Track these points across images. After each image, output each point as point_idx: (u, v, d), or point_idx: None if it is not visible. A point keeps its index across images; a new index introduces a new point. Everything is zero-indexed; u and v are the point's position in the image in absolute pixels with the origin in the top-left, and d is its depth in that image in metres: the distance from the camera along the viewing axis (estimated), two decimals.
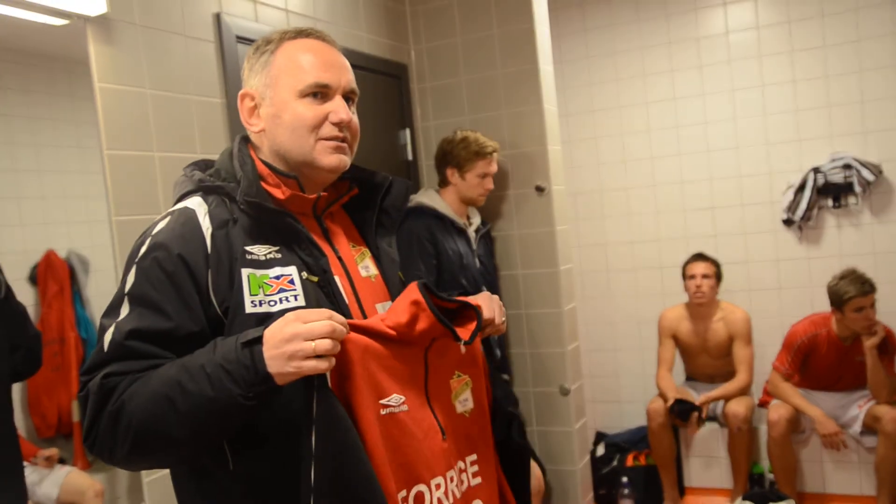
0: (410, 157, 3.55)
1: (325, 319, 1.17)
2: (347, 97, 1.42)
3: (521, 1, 3.41)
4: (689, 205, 4.92)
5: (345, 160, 1.41)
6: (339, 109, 1.38)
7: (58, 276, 2.07)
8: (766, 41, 4.65)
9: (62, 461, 2.07)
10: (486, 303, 1.43)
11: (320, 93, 1.38)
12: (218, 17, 2.47)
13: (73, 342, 2.11)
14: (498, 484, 1.49)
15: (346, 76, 1.42)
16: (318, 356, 1.15)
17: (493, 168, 3.22)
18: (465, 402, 1.43)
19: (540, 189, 3.44)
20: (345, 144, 1.40)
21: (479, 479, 1.45)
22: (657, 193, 4.99)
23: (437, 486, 1.33)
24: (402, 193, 1.56)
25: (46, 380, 2.04)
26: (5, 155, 1.98)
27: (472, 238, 3.25)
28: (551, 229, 3.46)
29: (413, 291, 1.30)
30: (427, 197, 3.21)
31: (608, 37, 5.02)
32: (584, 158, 5.13)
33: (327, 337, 1.16)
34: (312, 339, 1.15)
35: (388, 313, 1.32)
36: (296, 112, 1.37)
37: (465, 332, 1.36)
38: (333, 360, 1.18)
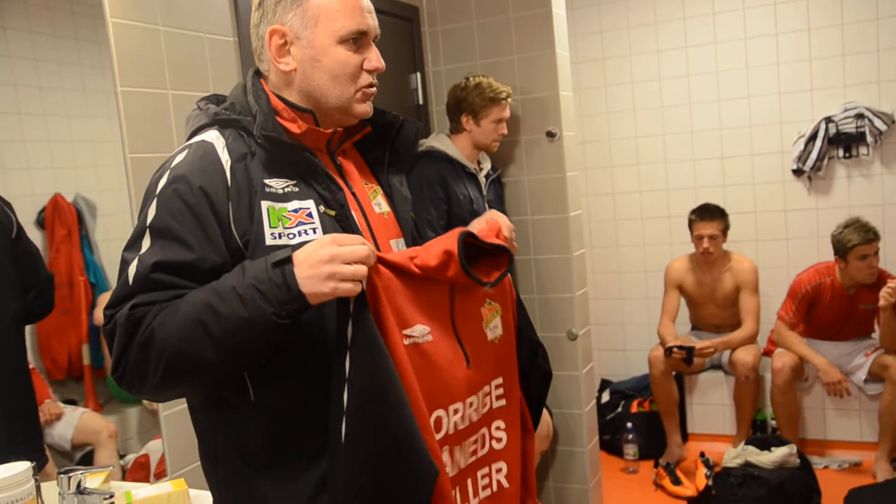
0: (421, 101, 3.53)
1: (361, 245, 1.19)
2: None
3: None
4: (699, 154, 4.90)
5: (372, 107, 1.45)
6: (375, 58, 1.40)
7: (65, 219, 2.07)
8: None
9: (74, 402, 2.11)
10: (503, 221, 1.48)
11: (357, 38, 1.38)
12: None
13: (81, 286, 2.11)
14: (521, 408, 1.53)
15: (376, 20, 1.42)
16: (354, 280, 1.18)
17: (507, 114, 3.20)
18: (495, 328, 1.46)
19: (551, 135, 3.43)
20: (374, 90, 1.42)
21: (503, 402, 1.48)
22: (666, 143, 4.97)
23: (455, 412, 1.36)
24: (413, 134, 1.57)
25: (56, 323, 2.04)
26: (10, 98, 1.97)
27: (483, 183, 3.25)
28: (562, 175, 3.45)
29: (450, 241, 1.32)
30: (438, 141, 3.20)
31: None
32: (594, 107, 5.10)
33: (363, 261, 1.19)
34: (349, 263, 1.17)
35: (419, 251, 1.34)
36: (337, 58, 1.37)
37: (493, 275, 1.39)
38: (364, 286, 1.21)
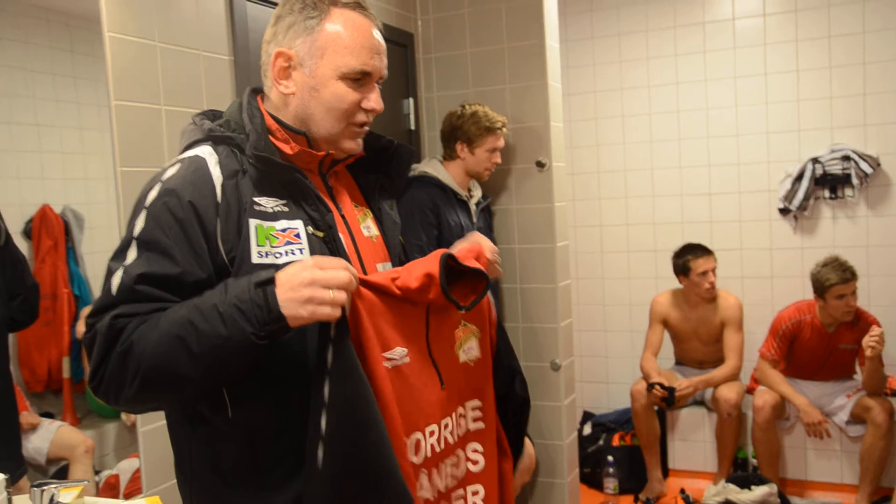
0: (413, 126, 3.55)
1: (342, 269, 1.20)
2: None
3: None
4: (687, 190, 4.93)
5: (361, 144, 1.46)
6: (373, 99, 1.41)
7: (52, 231, 2.06)
8: (771, 29, 4.65)
9: (51, 416, 2.08)
10: (486, 244, 1.48)
11: (361, 78, 1.39)
12: None
13: (65, 298, 2.10)
14: (497, 432, 1.52)
15: (384, 62, 1.43)
16: (333, 305, 1.18)
17: (502, 143, 3.23)
18: (469, 350, 1.46)
19: (541, 164, 3.45)
20: (365, 129, 1.44)
21: (480, 424, 1.48)
22: (655, 177, 5.00)
23: (431, 434, 1.36)
24: (407, 159, 1.59)
25: (37, 334, 2.03)
26: (4, 107, 1.96)
27: (473, 211, 3.26)
28: (550, 205, 3.47)
29: (432, 263, 1.33)
30: (431, 167, 3.22)
31: (614, 18, 5.01)
32: (584, 139, 5.14)
33: (343, 287, 1.19)
34: (329, 287, 1.17)
35: (400, 273, 1.34)
36: (336, 93, 1.38)
37: (469, 298, 1.40)
38: (345, 310, 1.21)
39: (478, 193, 3.34)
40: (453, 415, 1.42)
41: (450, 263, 1.36)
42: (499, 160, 3.24)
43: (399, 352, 1.32)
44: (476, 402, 1.47)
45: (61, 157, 2.14)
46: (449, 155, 3.25)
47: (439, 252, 1.35)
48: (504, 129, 3.22)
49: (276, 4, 1.46)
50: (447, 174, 3.19)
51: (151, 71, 2.18)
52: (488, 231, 3.43)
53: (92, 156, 2.16)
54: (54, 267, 2.08)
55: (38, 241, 2.03)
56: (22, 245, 1.95)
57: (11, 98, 1.99)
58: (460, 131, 3.18)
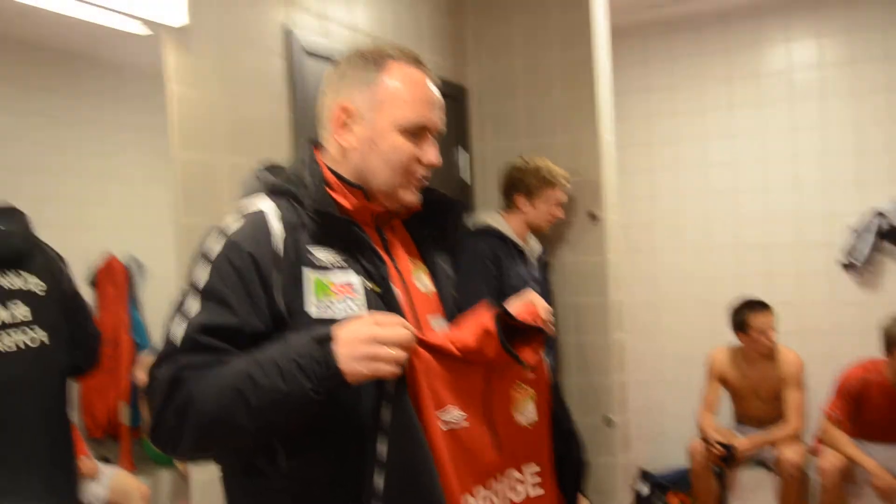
0: (466, 177, 3.57)
1: (401, 327, 1.20)
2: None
3: (582, 29, 3.43)
4: (743, 242, 4.85)
5: (420, 197, 1.46)
6: (432, 153, 1.42)
7: (116, 279, 2.12)
8: (829, 81, 4.60)
9: (108, 461, 2.11)
10: (540, 303, 1.45)
11: (417, 132, 1.40)
12: (288, 32, 2.53)
13: (126, 345, 2.15)
14: (557, 498, 1.49)
15: (442, 117, 1.45)
16: (392, 363, 1.18)
17: (563, 197, 3.23)
18: (527, 413, 1.43)
19: (593, 217, 3.43)
20: (424, 182, 1.45)
21: (540, 491, 1.44)
22: (710, 229, 4.94)
23: (485, 498, 1.34)
24: (460, 214, 1.60)
25: (98, 380, 2.08)
26: (74, 159, 2.05)
27: (533, 263, 3.24)
28: (602, 258, 3.44)
29: (486, 318, 1.31)
30: (492, 218, 3.22)
31: (668, 70, 5.01)
32: (638, 190, 5.10)
33: (402, 345, 1.19)
34: (388, 345, 1.17)
35: (456, 331, 1.33)
36: (394, 146, 1.39)
37: (529, 355, 1.37)
38: (403, 368, 1.21)
39: (536, 246, 3.32)
40: (507, 479, 1.39)
41: (504, 319, 1.35)
42: (560, 214, 3.24)
43: (454, 413, 1.30)
44: (535, 467, 1.44)
45: (126, 208, 2.21)
46: (509, 207, 3.25)
47: (490, 306, 1.34)
48: (565, 183, 3.21)
49: (331, 58, 1.49)
50: (507, 226, 3.19)
51: (212, 125, 2.25)
52: (546, 283, 3.40)
53: (155, 206, 2.23)
54: (116, 314, 2.14)
55: (102, 290, 2.08)
56: (86, 293, 2.01)
57: (82, 151, 2.06)
58: (521, 184, 3.19)
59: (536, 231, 3.28)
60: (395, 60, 1.41)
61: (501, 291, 3.03)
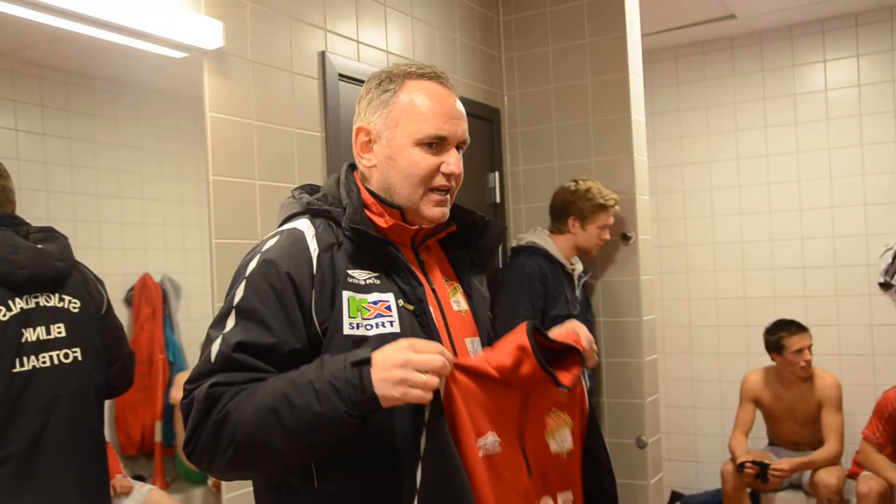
0: (498, 199, 3.58)
1: (437, 354, 1.20)
2: (458, 145, 1.45)
3: (616, 51, 3.43)
4: (779, 263, 4.80)
5: (446, 212, 1.45)
6: (452, 162, 1.41)
7: (151, 299, 2.15)
8: (867, 99, 4.54)
9: (142, 479, 2.13)
10: (583, 332, 1.43)
11: (436, 143, 1.41)
12: (323, 56, 2.57)
13: (160, 364, 2.18)
14: None
15: (462, 126, 1.44)
16: (424, 389, 1.18)
17: (612, 220, 3.22)
18: (562, 441, 1.41)
19: (626, 238, 3.42)
20: (448, 196, 1.44)
21: None
22: (745, 250, 4.89)
23: None
24: (497, 235, 1.59)
25: (133, 399, 2.10)
26: (113, 182, 2.09)
27: (576, 284, 3.23)
28: (636, 278, 3.42)
29: (521, 335, 1.31)
30: (540, 238, 3.21)
31: (701, 91, 4.99)
32: (671, 211, 5.08)
33: (436, 371, 1.19)
34: (422, 371, 1.18)
35: (492, 352, 1.33)
36: (412, 160, 1.40)
37: (566, 377, 1.35)
38: (438, 395, 1.21)
39: (579, 267, 3.30)
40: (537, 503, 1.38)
41: (538, 339, 1.34)
42: (608, 237, 3.23)
43: (491, 439, 1.30)
44: (568, 495, 1.42)
45: (162, 229, 2.25)
46: (559, 229, 3.23)
47: (523, 325, 1.33)
48: (616, 206, 3.21)
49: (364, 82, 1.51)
50: (554, 246, 3.18)
51: (247, 147, 2.28)
52: (587, 305, 3.39)
53: (190, 227, 2.26)
54: (151, 334, 2.16)
55: (137, 309, 2.12)
56: (122, 312, 2.04)
57: (121, 173, 2.11)
58: (573, 206, 3.17)
59: (585, 253, 3.27)
60: (412, 78, 1.43)
61: (546, 313, 3.01)
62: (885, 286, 4.47)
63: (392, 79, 1.44)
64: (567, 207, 3.19)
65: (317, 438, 1.21)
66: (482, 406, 1.29)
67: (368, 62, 2.77)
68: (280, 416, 1.19)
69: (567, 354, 1.39)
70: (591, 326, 3.42)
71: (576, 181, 3.23)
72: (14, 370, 1.70)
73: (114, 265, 2.06)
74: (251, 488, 1.46)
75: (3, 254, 1.71)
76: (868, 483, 3.94)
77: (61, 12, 1.84)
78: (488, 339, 1.54)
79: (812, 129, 4.69)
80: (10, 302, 1.72)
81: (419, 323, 1.37)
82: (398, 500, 1.23)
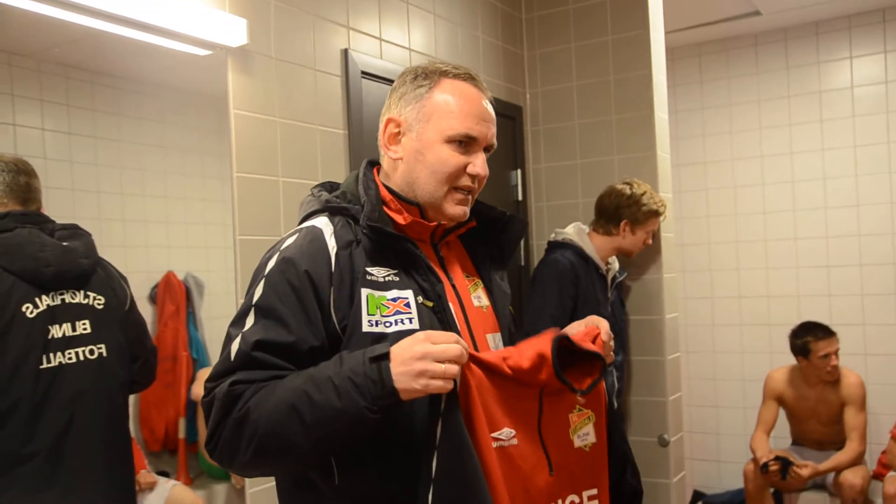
0: (520, 197, 3.57)
1: (454, 343, 1.20)
2: (485, 148, 1.45)
3: (640, 49, 3.41)
4: (803, 262, 4.75)
5: (466, 212, 1.46)
6: (478, 164, 1.42)
7: (175, 296, 2.16)
8: (894, 96, 4.49)
9: (166, 474, 2.15)
10: (604, 326, 1.43)
11: (465, 142, 1.41)
12: (346, 53, 2.57)
13: (184, 361, 2.19)
14: None
15: (492, 130, 1.45)
16: (445, 378, 1.19)
17: (657, 226, 3.21)
18: (585, 436, 1.42)
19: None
20: (470, 197, 1.45)
21: None
22: (769, 249, 4.85)
23: None
24: (519, 231, 1.59)
25: (157, 395, 2.13)
26: (137, 181, 2.11)
27: (609, 285, 3.21)
28: (659, 276, 3.40)
29: (544, 344, 1.31)
30: (578, 236, 3.15)
31: (724, 89, 4.95)
32: (694, 210, 5.04)
33: (455, 361, 1.20)
34: (441, 361, 1.18)
35: (512, 352, 1.33)
36: (440, 156, 1.40)
37: (584, 382, 1.36)
38: (456, 384, 1.21)
39: (615, 266, 3.26)
40: (562, 501, 1.38)
41: (563, 344, 1.34)
42: (651, 242, 3.21)
43: (507, 432, 1.30)
44: (593, 491, 1.42)
45: (185, 227, 2.26)
46: (606, 230, 3.16)
47: (552, 332, 1.33)
48: (665, 212, 3.19)
49: (389, 80, 1.52)
50: (591, 245, 3.14)
51: (271, 145, 2.29)
52: (620, 305, 3.35)
53: (213, 225, 2.27)
54: (175, 331, 2.18)
55: (161, 306, 2.13)
56: (147, 309, 2.05)
57: (145, 172, 2.13)
58: (627, 211, 3.11)
59: (625, 255, 3.23)
60: (448, 77, 1.44)
61: (575, 312, 2.96)
62: None
63: (428, 75, 1.44)
64: (621, 211, 3.12)
65: (337, 434, 1.22)
66: (496, 400, 1.30)
67: (391, 60, 2.78)
68: (300, 413, 1.20)
69: (589, 358, 1.38)
70: (625, 327, 3.40)
71: (629, 184, 3.16)
72: (41, 366, 1.72)
73: (138, 263, 2.08)
74: (274, 484, 1.46)
75: (31, 251, 1.73)
76: (894, 483, 3.90)
77: (87, 10, 1.85)
78: (509, 335, 1.54)
79: (838, 127, 4.64)
80: (38, 299, 1.74)
81: (438, 319, 1.38)
82: (415, 490, 1.24)
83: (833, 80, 4.67)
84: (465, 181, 1.42)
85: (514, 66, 3.58)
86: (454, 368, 1.19)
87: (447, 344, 1.20)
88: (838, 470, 4.12)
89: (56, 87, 1.91)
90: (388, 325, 1.33)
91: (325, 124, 2.48)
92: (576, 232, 3.17)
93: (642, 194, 3.12)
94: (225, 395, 1.25)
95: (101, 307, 1.85)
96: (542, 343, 1.32)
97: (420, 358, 1.18)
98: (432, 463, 1.21)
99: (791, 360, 4.36)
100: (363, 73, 2.63)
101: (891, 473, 4.01)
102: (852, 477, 4.04)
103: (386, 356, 1.21)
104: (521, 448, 1.32)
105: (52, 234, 1.80)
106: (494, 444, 1.28)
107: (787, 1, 4.37)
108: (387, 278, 1.37)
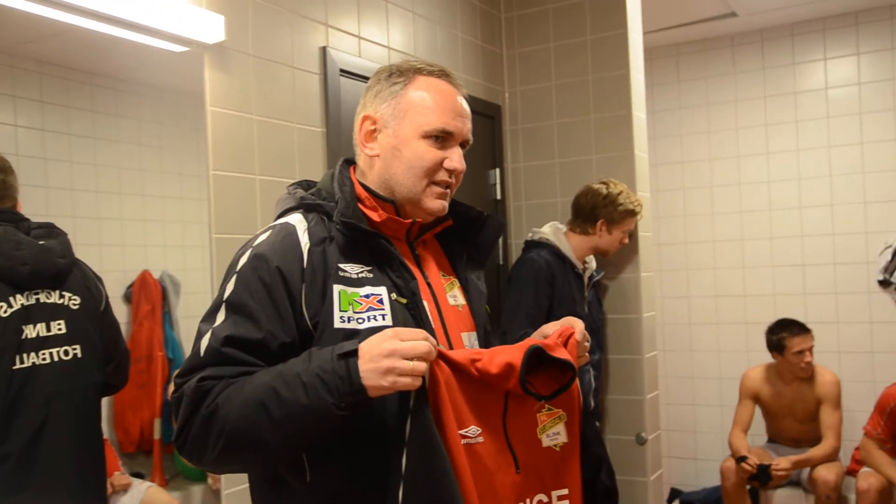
0: (499, 196, 3.58)
1: (422, 340, 1.20)
2: (461, 144, 1.46)
3: (618, 48, 3.43)
4: (779, 261, 4.80)
5: (445, 206, 1.46)
6: (455, 158, 1.43)
7: (151, 296, 2.14)
8: (867, 98, 4.55)
9: (141, 476, 2.13)
10: (578, 326, 1.44)
11: (442, 137, 1.42)
12: (324, 51, 2.56)
13: (159, 361, 2.17)
14: None
15: (468, 125, 1.46)
16: (413, 375, 1.19)
17: (634, 226, 3.21)
18: (555, 435, 1.42)
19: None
20: (449, 191, 1.45)
21: None
22: (745, 248, 4.89)
23: None
24: (496, 231, 1.59)
25: (132, 396, 2.10)
26: (114, 179, 2.09)
27: (585, 284, 3.21)
28: (636, 275, 3.42)
29: (516, 355, 1.31)
30: (555, 236, 3.15)
31: (702, 89, 4.99)
32: (671, 209, 5.08)
33: (423, 358, 1.20)
34: (409, 358, 1.18)
35: (483, 355, 1.33)
36: (417, 151, 1.41)
37: (552, 386, 1.37)
38: (424, 381, 1.21)
39: (592, 265, 3.27)
40: (530, 501, 1.38)
41: (536, 355, 1.34)
42: (627, 241, 3.22)
43: (473, 430, 1.31)
44: (563, 491, 1.42)
45: (162, 225, 2.24)
46: (583, 229, 3.17)
47: (527, 343, 1.33)
48: (641, 211, 3.20)
49: (368, 78, 1.52)
50: (568, 245, 3.15)
51: (248, 143, 2.28)
52: (598, 304, 3.37)
53: (190, 224, 2.25)
54: (151, 330, 2.16)
55: (136, 306, 2.11)
56: (121, 309, 2.03)
57: (121, 170, 2.10)
58: (604, 211, 3.12)
59: (602, 255, 3.24)
60: (423, 74, 1.45)
61: (552, 311, 2.97)
62: (884, 284, 4.48)
63: (403, 72, 1.45)
64: (597, 211, 3.13)
65: (304, 430, 1.21)
66: (463, 398, 1.30)
67: (370, 58, 2.77)
68: (268, 409, 1.20)
69: (560, 364, 1.38)
70: (602, 327, 3.41)
71: (605, 184, 3.18)
72: (14, 367, 1.70)
73: (113, 262, 2.06)
74: (248, 483, 1.46)
75: (6, 249, 1.71)
76: (867, 480, 3.95)
77: (62, 5, 1.83)
78: (485, 333, 1.54)
79: (812, 127, 4.70)
80: (11, 298, 1.72)
81: (412, 316, 1.38)
82: (386, 487, 1.24)
83: (808, 81, 4.72)
84: (443, 176, 1.42)
85: (493, 65, 3.59)
86: (422, 366, 1.20)
87: (415, 341, 1.20)
88: (813, 465, 4.17)
89: (30, 82, 1.89)
90: (360, 321, 1.33)
91: (302, 122, 2.47)
92: (552, 231, 3.18)
93: (618, 194, 3.14)
94: (193, 390, 1.24)
95: (76, 307, 1.83)
96: (513, 354, 1.32)
97: (388, 355, 1.18)
98: (402, 459, 1.21)
99: (768, 358, 4.40)
100: (342, 71, 2.62)
101: (864, 469, 4.07)
102: (826, 473, 4.09)
103: (354, 353, 1.20)
104: (487, 446, 1.32)
105: (27, 232, 1.77)
106: (462, 442, 1.28)
107: (762, 3, 4.42)
108: (360, 275, 1.37)
